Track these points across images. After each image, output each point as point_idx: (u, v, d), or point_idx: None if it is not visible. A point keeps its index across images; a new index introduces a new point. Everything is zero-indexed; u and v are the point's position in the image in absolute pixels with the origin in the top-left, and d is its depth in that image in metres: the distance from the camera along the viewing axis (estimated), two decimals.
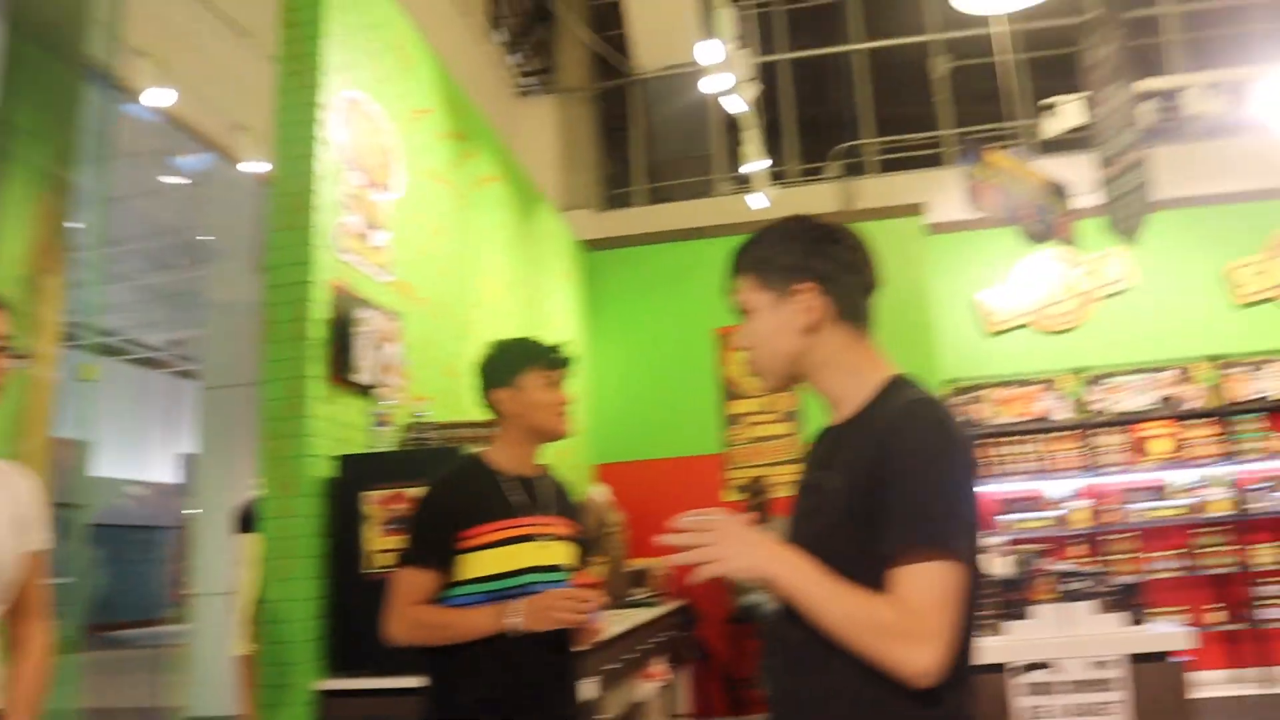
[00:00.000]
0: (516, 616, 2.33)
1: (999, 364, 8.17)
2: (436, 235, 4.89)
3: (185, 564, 9.12)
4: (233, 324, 8.51)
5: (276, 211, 3.78)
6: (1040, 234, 6.44)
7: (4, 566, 1.89)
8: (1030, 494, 7.81)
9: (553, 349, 2.58)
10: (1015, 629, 3.49)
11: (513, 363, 2.54)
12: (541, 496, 2.56)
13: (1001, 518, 7.58)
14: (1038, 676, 3.39)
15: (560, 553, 2.54)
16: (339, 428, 3.76)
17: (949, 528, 1.40)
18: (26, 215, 4.38)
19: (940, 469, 1.43)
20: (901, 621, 1.38)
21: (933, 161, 9.14)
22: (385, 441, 3.75)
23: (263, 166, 6.04)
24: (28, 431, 3.93)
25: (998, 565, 3.86)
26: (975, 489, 1.47)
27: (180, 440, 7.53)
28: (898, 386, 1.57)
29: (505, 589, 2.41)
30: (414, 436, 3.82)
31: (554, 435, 2.55)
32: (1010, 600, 3.50)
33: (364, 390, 3.94)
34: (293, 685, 3.43)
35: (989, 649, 3.38)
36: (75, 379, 4.08)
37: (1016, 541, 5.80)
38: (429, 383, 4.59)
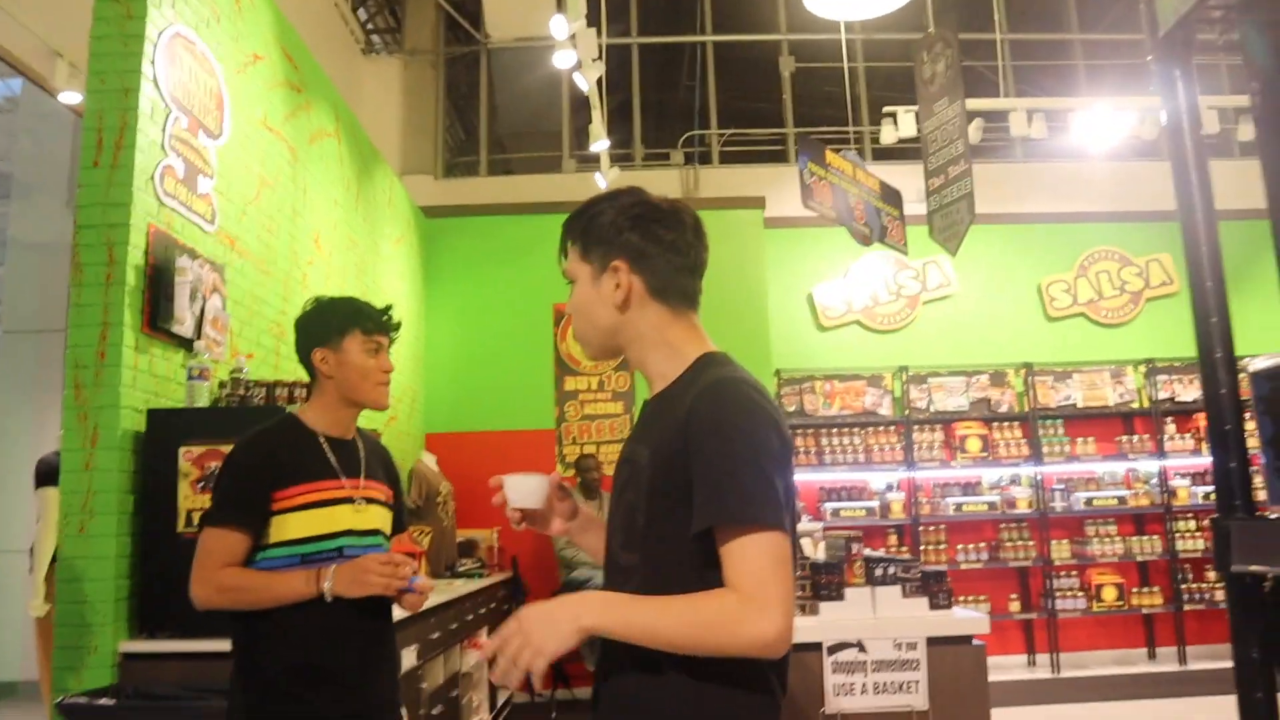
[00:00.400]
0: (330, 581, 2.25)
1: (829, 358, 8.46)
2: (265, 188, 4.68)
3: None
4: (39, 265, 7.97)
5: (91, 147, 3.52)
6: (869, 236, 6.67)
7: None
8: (853, 484, 8.13)
9: (378, 313, 2.49)
10: (828, 610, 3.62)
11: (334, 323, 2.44)
12: (359, 460, 2.48)
13: (825, 505, 7.86)
14: (848, 655, 3.53)
15: (377, 518, 2.47)
16: (152, 380, 3.56)
17: (765, 499, 1.40)
18: None
19: (747, 443, 1.43)
20: (735, 602, 1.38)
21: (775, 157, 9.36)
22: (202, 397, 3.57)
23: (76, 97, 5.66)
24: None
25: (816, 550, 3.99)
26: (787, 464, 1.46)
27: None
28: (707, 364, 1.57)
29: (319, 552, 2.33)
30: (234, 394, 3.65)
31: (371, 404, 2.47)
32: (825, 582, 3.62)
33: (181, 342, 3.73)
34: (94, 647, 3.24)
35: (805, 628, 3.50)
36: None
37: (834, 528, 6.03)
38: (252, 340, 4.39)
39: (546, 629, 1.41)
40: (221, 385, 3.69)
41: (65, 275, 7.69)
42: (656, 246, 1.59)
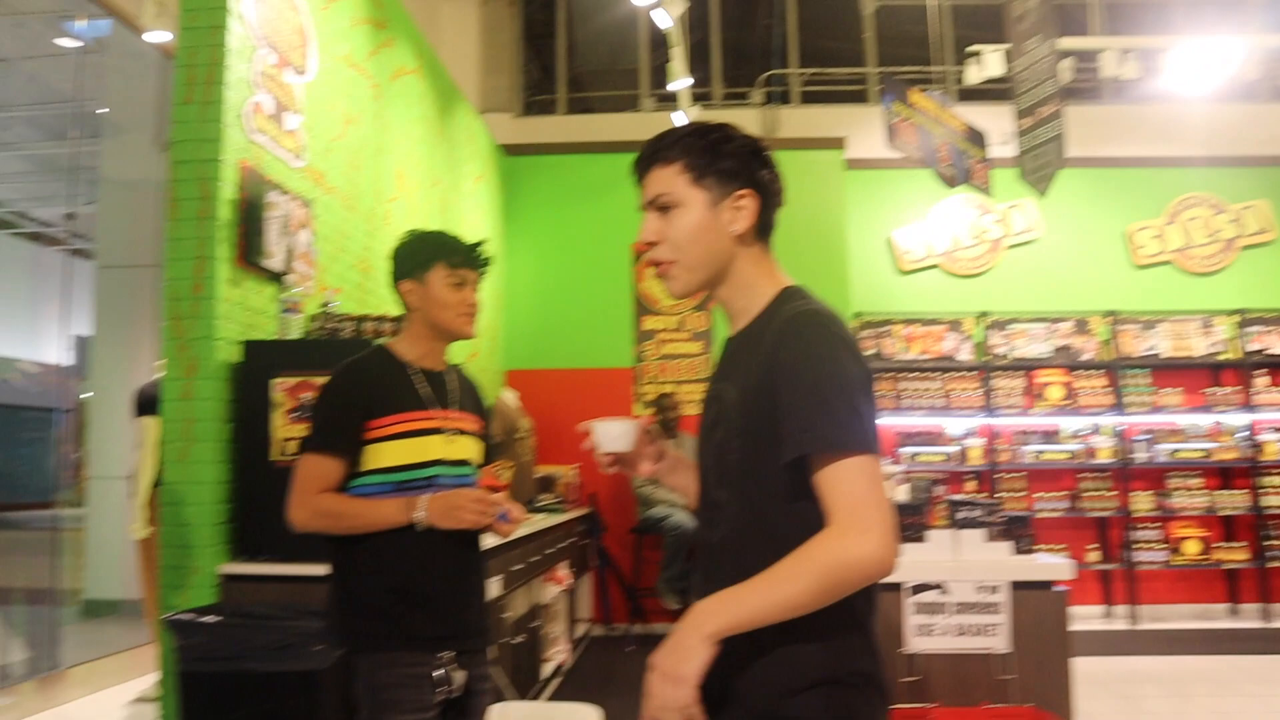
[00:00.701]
0: (423, 511, 2.31)
1: (908, 302, 8.35)
2: (349, 124, 4.73)
3: (81, 447, 8.87)
4: (130, 202, 8.16)
5: (182, 84, 3.59)
6: (954, 178, 6.53)
7: None
8: (930, 429, 8.05)
9: (465, 247, 2.51)
10: (910, 551, 3.61)
11: (422, 255, 2.47)
12: (449, 392, 2.53)
13: (903, 449, 7.81)
14: (928, 597, 3.52)
15: (467, 448, 2.52)
16: (246, 313, 3.65)
17: (853, 424, 1.42)
18: None
19: (831, 371, 1.44)
20: (836, 535, 1.39)
21: (856, 98, 9.16)
22: (294, 330, 3.65)
23: (166, 37, 5.75)
24: None
25: (898, 491, 3.97)
26: (870, 391, 1.47)
27: (74, 321, 7.24)
28: (787, 298, 1.58)
29: (411, 481, 2.38)
30: (323, 327, 3.73)
31: (456, 335, 2.50)
32: (908, 524, 3.61)
33: (273, 276, 3.82)
34: (196, 568, 3.38)
35: None
36: None
37: (913, 473, 5.99)
38: (338, 275, 4.47)
39: (677, 658, 1.40)
40: (312, 319, 3.77)
41: (154, 211, 7.91)
42: (772, 184, 1.61)
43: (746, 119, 8.60)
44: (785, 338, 1.47)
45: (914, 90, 6.12)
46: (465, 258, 2.48)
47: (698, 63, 8.71)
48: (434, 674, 2.34)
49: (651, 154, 1.61)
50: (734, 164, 1.58)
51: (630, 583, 7.49)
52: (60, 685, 5.60)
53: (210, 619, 3.03)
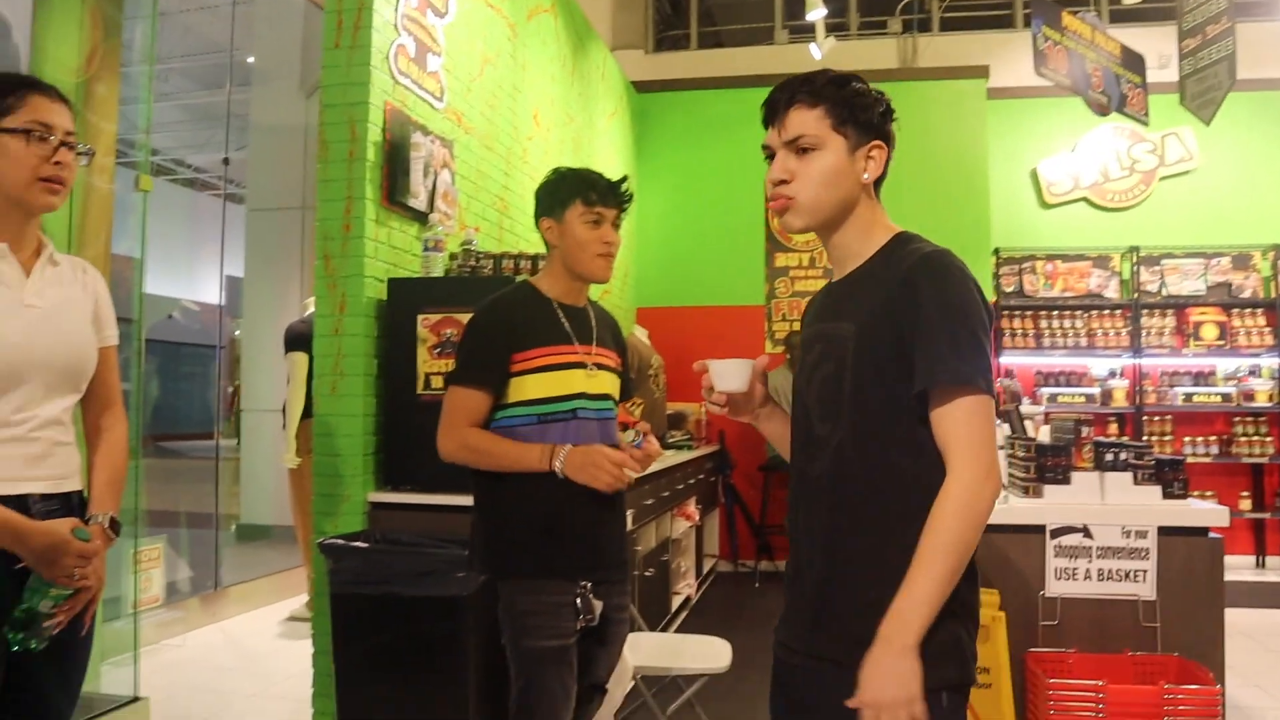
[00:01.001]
0: (562, 462, 2.35)
1: (1052, 237, 8.03)
2: (487, 65, 4.78)
3: (234, 381, 9.34)
4: (277, 147, 8.46)
5: (331, 29, 3.69)
6: (1107, 106, 6.21)
7: (84, 358, 1.93)
8: (1073, 369, 7.79)
9: (604, 183, 2.50)
10: (1054, 493, 3.52)
11: (562, 193, 2.49)
12: (591, 327, 2.56)
13: (1042, 390, 7.58)
14: (1071, 540, 3.44)
15: (608, 383, 2.55)
16: (391, 251, 3.77)
17: (981, 364, 1.49)
18: (76, 22, 4.30)
19: (966, 311, 1.51)
20: (966, 485, 1.46)
21: (1000, 23, 8.76)
22: (437, 267, 3.75)
23: None
24: (88, 242, 3.96)
25: (1041, 432, 3.87)
26: (989, 334, 1.54)
27: (227, 262, 7.58)
28: (906, 240, 1.64)
29: (554, 413, 2.43)
30: (465, 264, 3.82)
31: (590, 275, 2.51)
32: (1051, 465, 3.52)
33: (417, 215, 3.92)
34: (346, 496, 3.54)
35: (1027, 510, 3.43)
36: (134, 190, 4.08)
37: (1057, 413, 5.80)
38: (477, 214, 4.56)
39: (895, 685, 1.42)
40: (453, 256, 3.87)
41: (299, 155, 8.17)
42: (893, 139, 1.68)
43: (884, 49, 8.34)
44: (920, 275, 1.53)
45: (1066, 12, 5.81)
46: (602, 194, 2.48)
47: None
48: (574, 602, 2.41)
49: (793, 95, 1.63)
50: (871, 117, 1.63)
51: (758, 520, 7.52)
52: (221, 602, 5.98)
53: (360, 544, 3.18)
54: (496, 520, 2.49)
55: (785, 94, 1.64)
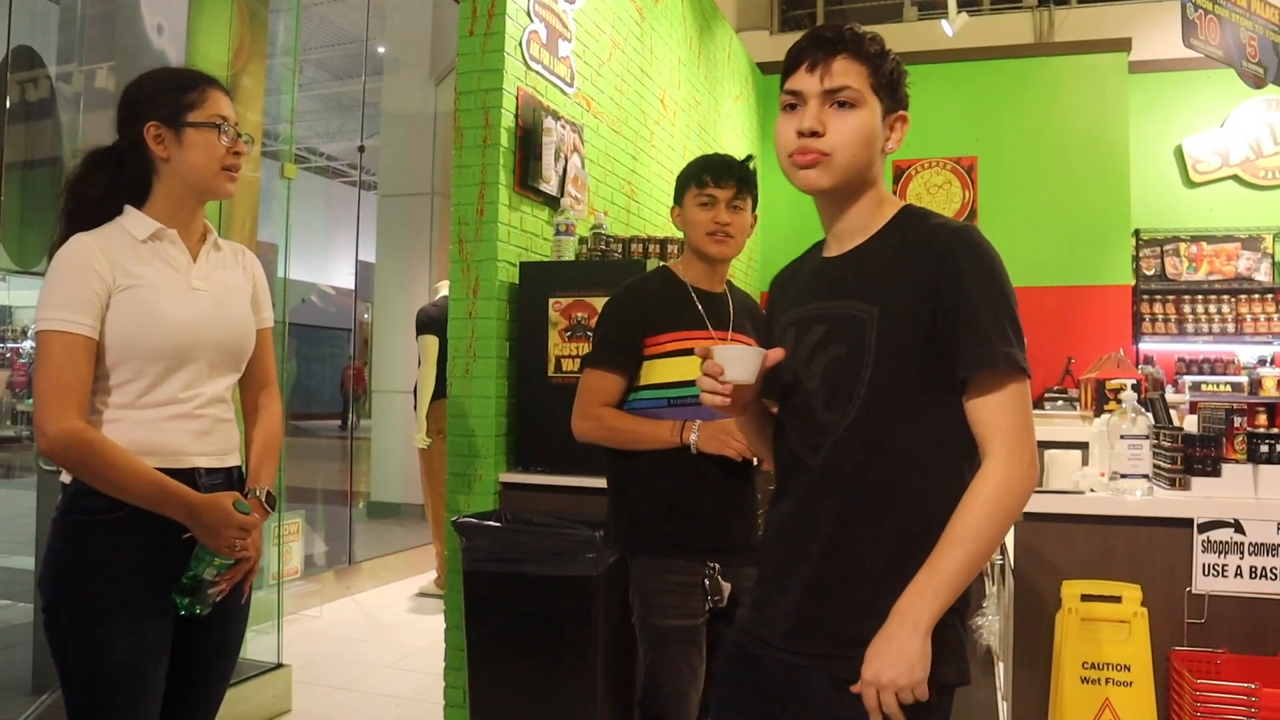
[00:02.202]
0: (695, 435, 2.37)
1: (1197, 217, 7.68)
2: (616, 49, 4.80)
3: (367, 363, 9.65)
4: (408, 134, 8.67)
5: (466, 17, 3.75)
6: (1264, 77, 5.87)
7: (245, 339, 2.02)
8: (1217, 356, 7.44)
9: (716, 164, 2.52)
10: (1201, 486, 3.37)
11: (683, 179, 2.55)
12: (728, 313, 2.56)
13: (1184, 378, 7.27)
14: (1221, 535, 3.29)
15: None
16: (523, 235, 3.82)
17: (1022, 349, 1.44)
18: (224, 15, 4.49)
19: (1008, 292, 1.45)
20: (1003, 468, 1.40)
21: None
22: (568, 251, 3.80)
23: None
24: (235, 229, 4.14)
25: (1187, 421, 3.71)
26: None
27: (359, 247, 7.83)
28: (920, 214, 1.55)
29: (684, 398, 2.45)
30: (594, 249, 3.85)
31: (707, 255, 2.52)
32: (1199, 456, 3.37)
33: (547, 200, 3.98)
34: (479, 475, 3.62)
35: (1174, 503, 3.29)
36: (278, 178, 4.25)
37: (1205, 402, 5.55)
38: (605, 198, 4.59)
39: (904, 665, 1.36)
40: (582, 241, 3.90)
41: (429, 142, 8.36)
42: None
43: (1018, 24, 8.07)
44: (962, 254, 1.44)
45: None
46: (715, 175, 2.49)
47: None
48: (703, 582, 2.42)
49: (844, 42, 1.51)
50: (902, 87, 1.56)
51: None
52: (354, 577, 6.20)
53: (492, 523, 3.25)
54: (627, 499, 2.53)
55: (831, 40, 1.51)
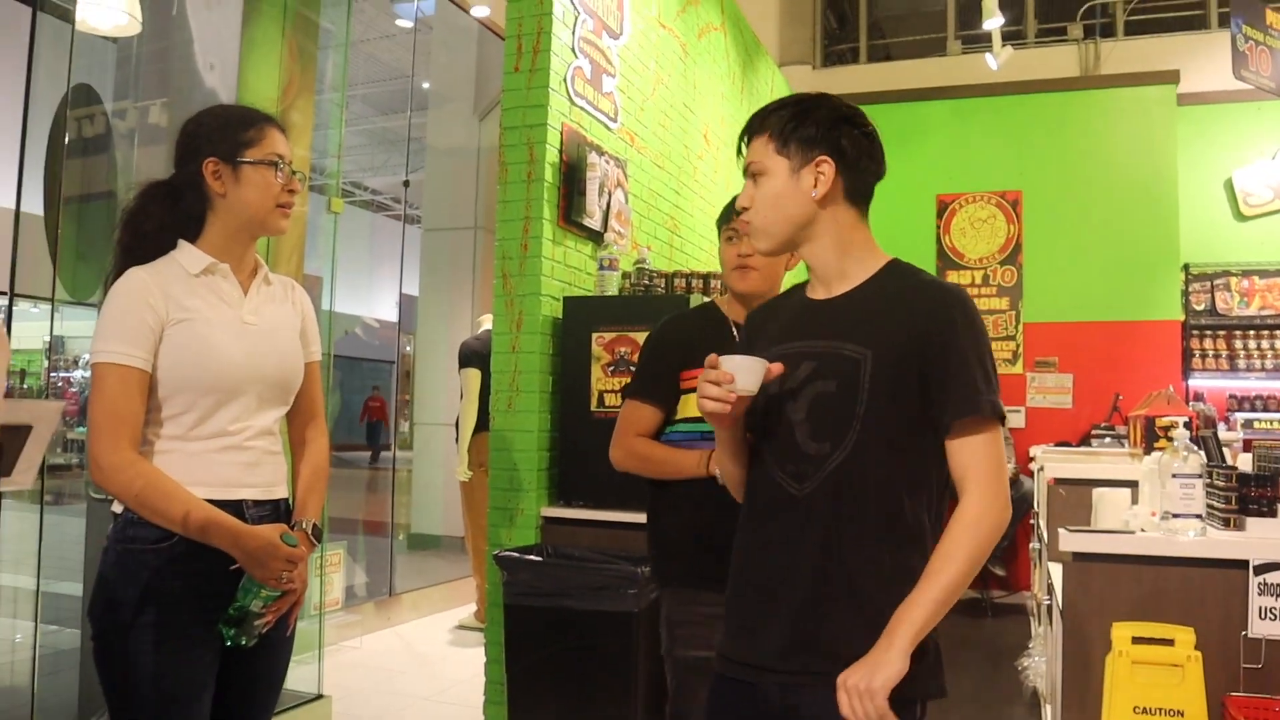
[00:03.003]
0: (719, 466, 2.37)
1: (1249, 251, 7.56)
2: (660, 85, 4.83)
3: (408, 396, 9.71)
4: (451, 169, 8.77)
5: (511, 54, 3.80)
6: None
7: (293, 372, 2.04)
8: (1271, 392, 7.30)
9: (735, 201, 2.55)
10: (1256, 526, 3.29)
11: (720, 219, 2.57)
12: None
13: (1235, 415, 7.13)
14: (1278, 577, 3.20)
15: None
16: (566, 270, 3.85)
17: (998, 399, 1.57)
18: (275, 53, 4.59)
19: (987, 344, 1.59)
20: (977, 507, 1.53)
21: (1192, 24, 8.32)
22: (611, 286, 3.81)
23: (485, 11, 6.10)
24: (282, 262, 4.20)
25: (1240, 459, 3.63)
26: None
27: (402, 281, 7.92)
28: (906, 269, 1.67)
29: (713, 431, 2.44)
30: (638, 283, 3.86)
31: (735, 291, 2.52)
32: (1255, 496, 3.29)
33: (591, 234, 4.00)
34: (521, 509, 3.63)
35: (1229, 544, 3.22)
36: (324, 212, 4.31)
37: (1260, 440, 5.44)
38: (649, 233, 4.61)
39: (879, 678, 1.46)
40: (625, 275, 3.92)
41: (473, 177, 8.45)
42: (856, 150, 1.65)
43: (1064, 57, 8.04)
44: (955, 312, 1.57)
45: (1270, 8, 5.46)
46: (727, 214, 2.52)
47: None
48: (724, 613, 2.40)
49: (750, 126, 1.70)
50: (815, 131, 1.62)
51: None
52: (394, 608, 6.21)
53: (534, 557, 3.24)
54: (658, 529, 2.55)
55: (748, 125, 1.71)
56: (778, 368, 1.62)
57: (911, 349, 1.56)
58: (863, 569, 1.56)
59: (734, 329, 2.53)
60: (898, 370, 1.56)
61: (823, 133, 1.63)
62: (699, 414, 2.43)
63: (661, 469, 2.47)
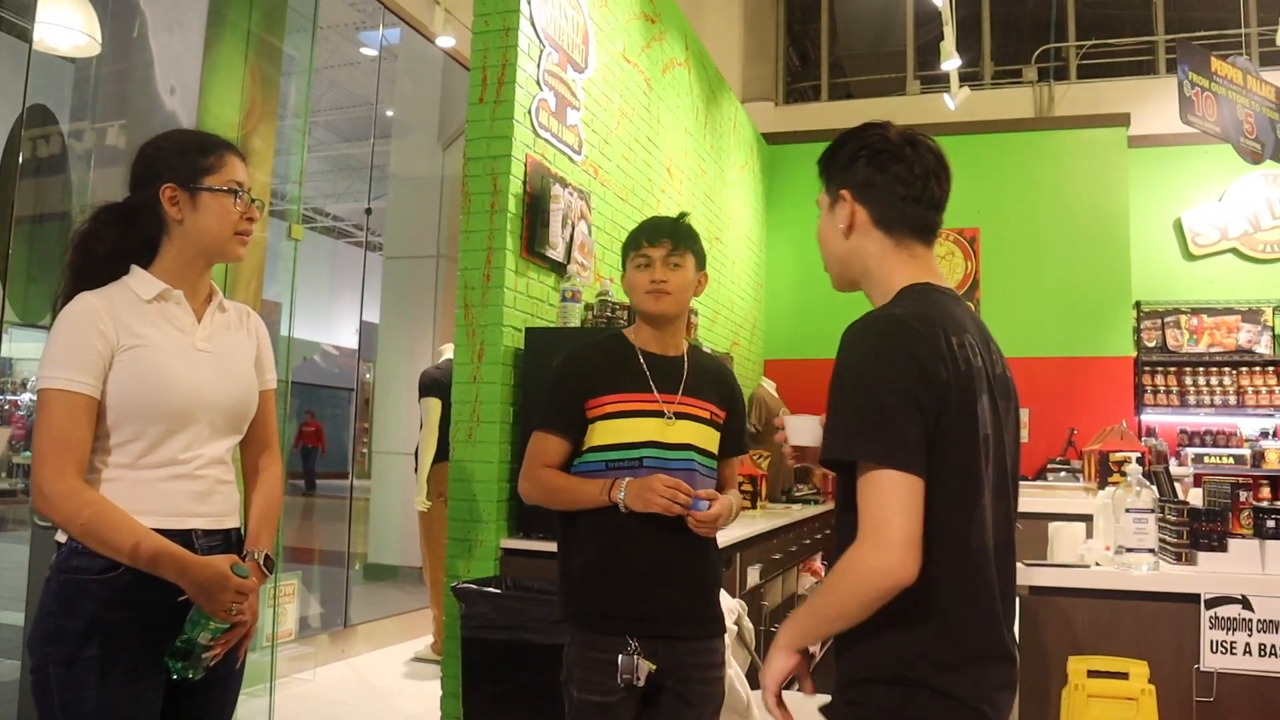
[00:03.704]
0: (623, 493, 2.32)
1: (1197, 289, 7.72)
2: (624, 118, 4.87)
3: (367, 424, 9.62)
4: (414, 197, 8.74)
5: (476, 85, 3.81)
6: (1261, 152, 5.95)
7: (247, 401, 2.01)
8: (1219, 427, 7.43)
9: (649, 226, 2.51)
10: (1207, 561, 3.33)
11: (623, 249, 2.54)
12: (679, 377, 2.50)
13: (1185, 450, 7.24)
14: (1228, 611, 3.25)
15: (690, 433, 2.48)
16: (529, 301, 3.84)
17: (885, 436, 1.44)
18: (237, 77, 4.56)
19: (873, 383, 1.47)
20: (852, 550, 1.47)
21: (1142, 69, 8.53)
22: (574, 317, 3.81)
23: (450, 41, 6.12)
24: (240, 287, 4.16)
25: (1191, 494, 3.69)
26: (935, 400, 1.47)
27: (363, 308, 7.86)
28: (898, 298, 1.60)
29: (621, 460, 2.40)
30: (600, 315, 3.86)
31: (647, 316, 2.48)
32: (1205, 530, 3.34)
33: (554, 266, 4.00)
34: (480, 541, 3.59)
35: (1180, 578, 3.26)
36: (285, 239, 4.28)
37: (1210, 475, 5.52)
38: (613, 265, 4.61)
39: (766, 670, 1.60)
40: (588, 307, 3.92)
41: (435, 205, 8.43)
42: (882, 177, 1.62)
43: (1018, 98, 8.20)
44: (842, 345, 1.53)
45: (1215, 57, 5.61)
46: (649, 236, 2.47)
47: (966, 39, 8.37)
48: (617, 659, 2.32)
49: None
50: (836, 167, 1.66)
51: None
52: (349, 640, 6.11)
53: (493, 589, 3.21)
54: (563, 562, 2.49)
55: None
56: None
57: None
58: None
59: (640, 355, 2.50)
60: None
61: (841, 166, 1.65)
62: (605, 442, 2.43)
63: (566, 499, 2.41)
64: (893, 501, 1.43)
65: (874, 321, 1.54)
